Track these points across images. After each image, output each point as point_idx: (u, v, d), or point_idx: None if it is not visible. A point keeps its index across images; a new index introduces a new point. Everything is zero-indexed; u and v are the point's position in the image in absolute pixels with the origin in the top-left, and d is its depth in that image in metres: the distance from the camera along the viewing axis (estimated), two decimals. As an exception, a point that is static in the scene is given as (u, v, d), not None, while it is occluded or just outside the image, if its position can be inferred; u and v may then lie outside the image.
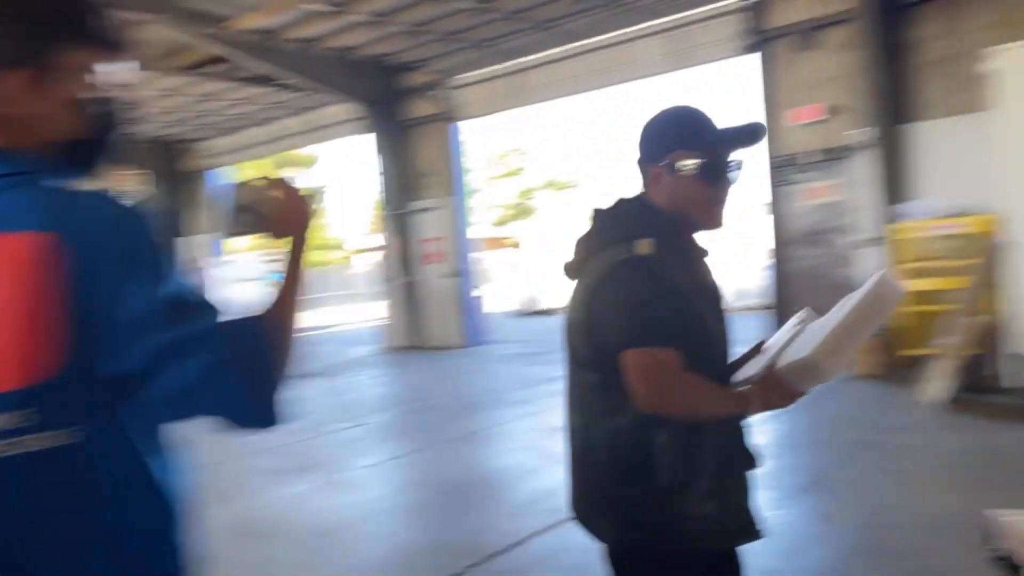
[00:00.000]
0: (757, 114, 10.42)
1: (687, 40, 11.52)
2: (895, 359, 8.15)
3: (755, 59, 10.51)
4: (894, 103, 9.24)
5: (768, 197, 10.54)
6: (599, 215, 1.83)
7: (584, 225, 1.85)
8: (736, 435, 1.79)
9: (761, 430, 5.94)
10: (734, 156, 1.77)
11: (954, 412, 6.33)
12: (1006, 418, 6.05)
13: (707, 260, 1.85)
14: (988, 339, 6.85)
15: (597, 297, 1.70)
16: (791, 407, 1.66)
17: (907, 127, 9.21)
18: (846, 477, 5.05)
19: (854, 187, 9.44)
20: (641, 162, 1.83)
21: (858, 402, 7.01)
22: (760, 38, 10.38)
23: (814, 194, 9.97)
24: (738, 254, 22.90)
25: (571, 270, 1.85)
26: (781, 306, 10.39)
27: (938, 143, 9.03)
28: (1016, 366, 6.29)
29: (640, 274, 1.65)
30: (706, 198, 1.76)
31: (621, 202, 1.83)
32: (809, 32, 9.95)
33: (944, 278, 7.88)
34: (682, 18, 11.35)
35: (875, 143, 9.10)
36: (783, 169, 10.29)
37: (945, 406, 6.43)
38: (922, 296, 8.05)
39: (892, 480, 4.91)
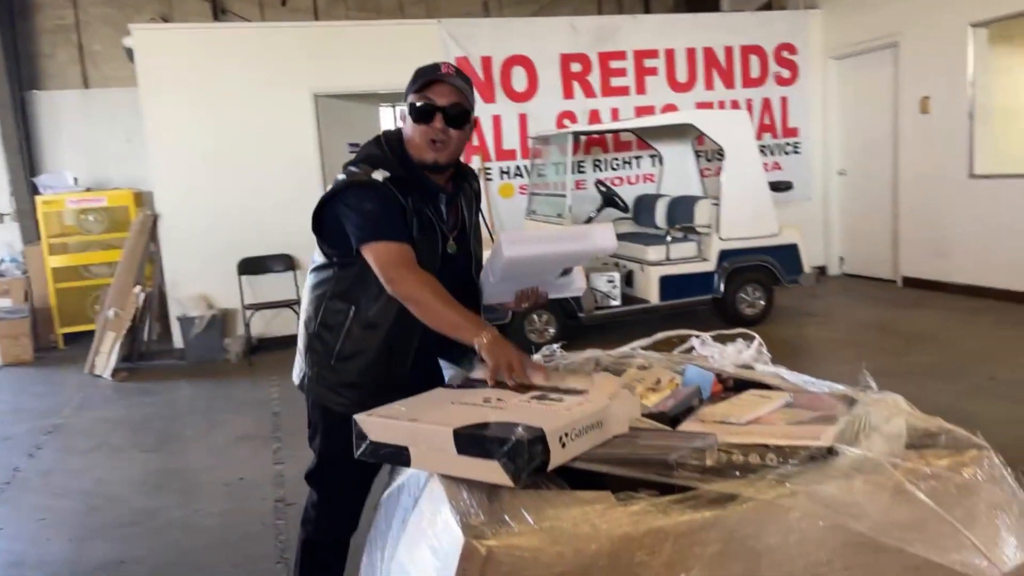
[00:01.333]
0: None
1: None
2: (51, 340, 7.70)
3: None
4: (17, 67, 8.53)
5: None
6: (377, 136, 2.11)
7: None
8: (404, 337, 2.05)
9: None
10: (435, 99, 1.97)
11: (128, 380, 6.38)
12: (176, 378, 6.44)
13: (456, 195, 2.15)
14: (152, 307, 7.11)
15: (341, 202, 1.99)
16: None
17: (35, 95, 8.63)
18: (45, 466, 4.55)
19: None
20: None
21: (26, 391, 6.36)
22: None
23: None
24: None
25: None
26: None
27: (66, 114, 8.77)
28: (186, 328, 6.72)
29: (375, 192, 1.96)
30: (419, 136, 2.00)
31: (389, 131, 2.12)
32: None
33: (96, 252, 7.82)
34: None
35: (-2, 108, 8.23)
36: None
37: (119, 376, 6.42)
38: (74, 272, 7.82)
39: (91, 458, 4.66)
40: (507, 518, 1.36)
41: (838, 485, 1.47)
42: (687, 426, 1.89)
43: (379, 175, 1.97)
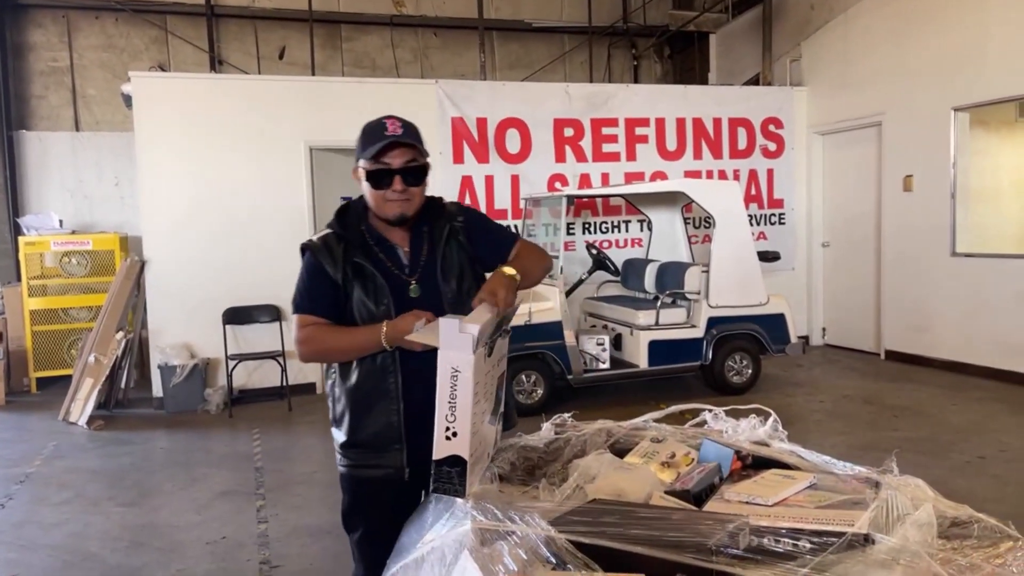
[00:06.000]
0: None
1: None
2: (24, 384, 7.52)
3: None
4: (7, 107, 8.51)
5: None
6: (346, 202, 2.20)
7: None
8: (379, 385, 2.06)
9: None
10: (391, 163, 2.00)
11: (104, 429, 6.21)
12: (154, 427, 6.28)
13: (419, 237, 2.13)
14: (131, 354, 6.97)
15: None
16: None
17: (23, 135, 8.60)
18: (17, 518, 4.38)
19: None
20: None
21: (9, 438, 6.17)
22: None
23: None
24: None
25: None
26: None
27: (55, 155, 8.74)
28: (167, 377, 6.58)
29: (304, 257, 2.12)
30: (377, 197, 2.06)
31: (358, 199, 2.16)
32: None
33: (76, 295, 7.68)
34: None
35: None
36: None
37: (94, 424, 6.25)
38: (52, 315, 7.67)
39: (65, 511, 4.50)
40: (548, 602, 1.32)
41: (879, 575, 1.45)
42: (713, 506, 1.86)
43: (317, 236, 2.11)
